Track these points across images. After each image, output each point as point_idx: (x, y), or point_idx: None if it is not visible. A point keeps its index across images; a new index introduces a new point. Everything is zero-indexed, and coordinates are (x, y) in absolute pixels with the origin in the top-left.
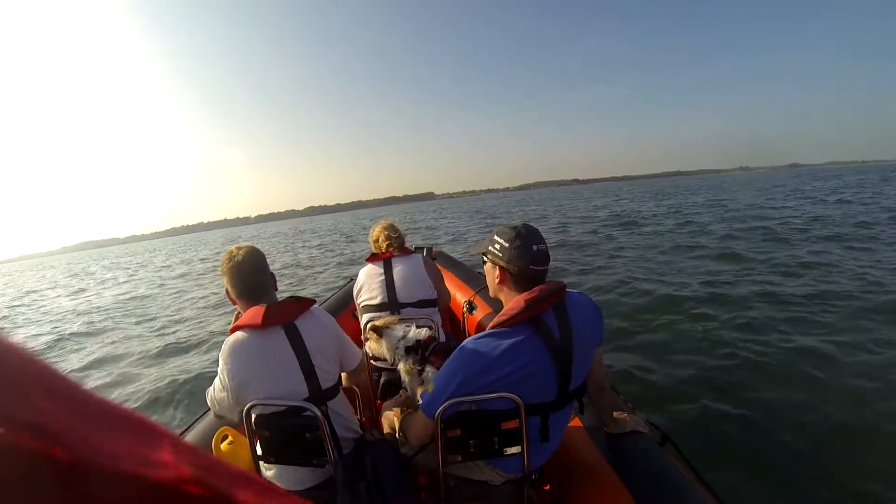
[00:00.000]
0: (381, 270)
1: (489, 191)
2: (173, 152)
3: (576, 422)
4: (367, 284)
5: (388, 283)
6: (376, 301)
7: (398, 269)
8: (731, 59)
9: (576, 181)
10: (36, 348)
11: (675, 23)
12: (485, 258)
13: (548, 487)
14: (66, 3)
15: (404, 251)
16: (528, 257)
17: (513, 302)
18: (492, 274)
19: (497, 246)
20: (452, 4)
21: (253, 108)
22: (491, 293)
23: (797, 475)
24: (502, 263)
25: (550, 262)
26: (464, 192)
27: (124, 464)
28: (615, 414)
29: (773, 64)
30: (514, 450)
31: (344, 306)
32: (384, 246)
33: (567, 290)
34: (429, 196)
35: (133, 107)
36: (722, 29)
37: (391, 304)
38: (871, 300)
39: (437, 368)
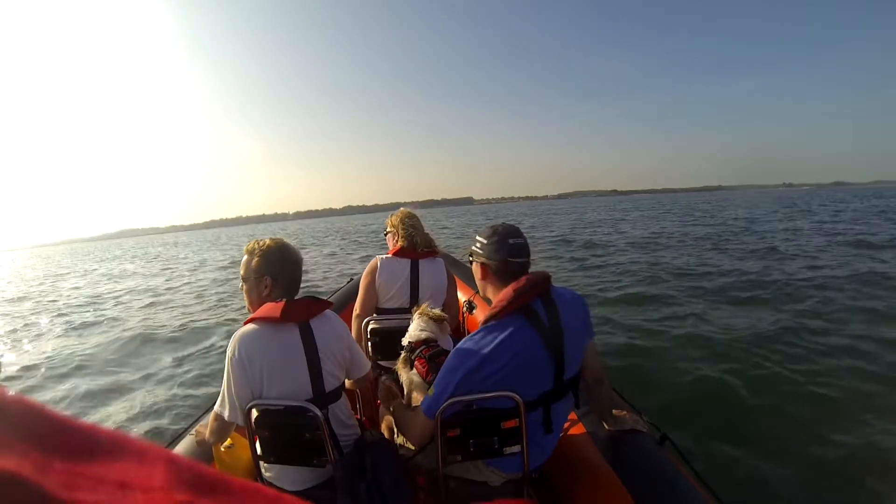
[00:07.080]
0: (407, 270)
1: (527, 198)
2: (215, 147)
3: (576, 423)
4: (389, 283)
5: (413, 287)
6: (397, 304)
7: (426, 275)
8: (774, 70)
9: (615, 192)
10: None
11: (714, 32)
12: (470, 259)
13: (547, 488)
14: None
15: (430, 253)
16: (506, 250)
17: (502, 293)
18: (477, 272)
19: (478, 244)
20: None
21: (296, 104)
22: (480, 293)
23: (796, 475)
24: (483, 259)
25: None
26: (503, 198)
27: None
28: (614, 412)
29: (818, 75)
30: (514, 449)
31: (345, 306)
32: (404, 241)
33: (552, 284)
34: (468, 201)
35: (171, 100)
36: (762, 41)
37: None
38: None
39: (418, 374)
